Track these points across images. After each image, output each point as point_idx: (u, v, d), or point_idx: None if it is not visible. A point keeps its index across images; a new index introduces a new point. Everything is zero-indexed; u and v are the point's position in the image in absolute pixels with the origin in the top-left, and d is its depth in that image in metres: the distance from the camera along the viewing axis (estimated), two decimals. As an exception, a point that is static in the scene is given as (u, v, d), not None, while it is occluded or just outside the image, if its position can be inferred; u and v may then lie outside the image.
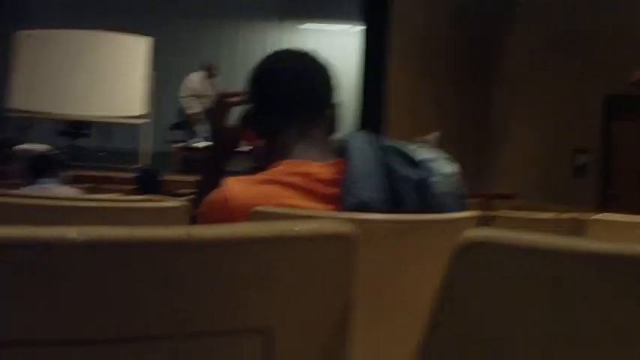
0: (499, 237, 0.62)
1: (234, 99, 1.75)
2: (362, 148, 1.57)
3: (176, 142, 10.79)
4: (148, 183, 5.45)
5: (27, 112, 9.31)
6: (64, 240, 0.50)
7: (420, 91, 9.70)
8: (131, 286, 0.53)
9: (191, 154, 9.61)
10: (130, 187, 5.88)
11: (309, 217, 0.82)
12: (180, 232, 0.53)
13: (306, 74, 1.65)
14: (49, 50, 9.92)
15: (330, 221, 0.60)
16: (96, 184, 6.67)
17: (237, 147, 1.82)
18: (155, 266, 0.53)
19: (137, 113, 9.62)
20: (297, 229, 0.56)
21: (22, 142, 8.36)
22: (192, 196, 1.88)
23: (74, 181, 6.53)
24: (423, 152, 1.61)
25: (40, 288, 0.52)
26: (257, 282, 0.57)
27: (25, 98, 9.72)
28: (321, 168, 1.56)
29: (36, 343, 0.53)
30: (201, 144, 9.27)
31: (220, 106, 1.76)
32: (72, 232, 0.50)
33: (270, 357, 0.59)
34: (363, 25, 11.17)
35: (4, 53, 13.04)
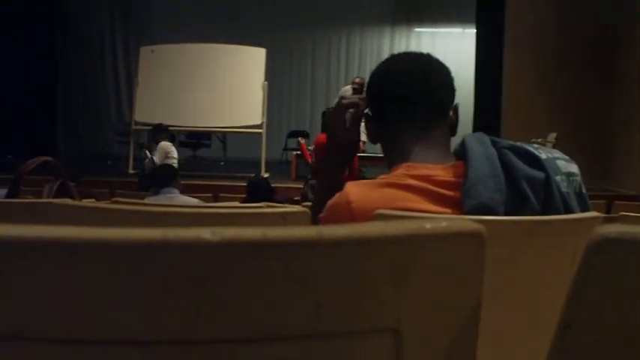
0: (636, 233, 0.60)
1: (351, 101, 1.77)
2: (481, 149, 1.55)
3: (293, 149, 10.94)
4: (259, 191, 5.54)
5: (150, 124, 9.63)
6: (198, 240, 0.52)
7: (535, 92, 9.50)
8: (263, 286, 0.55)
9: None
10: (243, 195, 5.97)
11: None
12: (312, 231, 0.54)
13: (425, 77, 1.65)
14: (170, 64, 10.25)
15: (459, 220, 0.59)
16: (214, 193, 6.84)
17: (354, 152, 1.83)
18: (287, 266, 0.54)
19: (255, 122, 9.80)
20: (427, 227, 0.56)
21: (147, 154, 8.69)
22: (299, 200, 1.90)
23: (193, 191, 6.72)
24: (544, 152, 1.57)
25: (176, 288, 0.54)
26: (388, 281, 0.57)
27: (148, 111, 10.07)
28: (441, 170, 1.55)
29: (179, 342, 0.55)
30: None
31: (338, 110, 1.77)
32: (206, 233, 0.52)
33: (400, 357, 0.59)
34: (477, 27, 11.05)
35: (128, 69, 13.56)
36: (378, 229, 0.56)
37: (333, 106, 1.85)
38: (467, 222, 0.58)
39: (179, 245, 0.52)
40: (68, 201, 2.09)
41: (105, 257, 0.52)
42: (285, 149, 12.24)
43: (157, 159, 8.55)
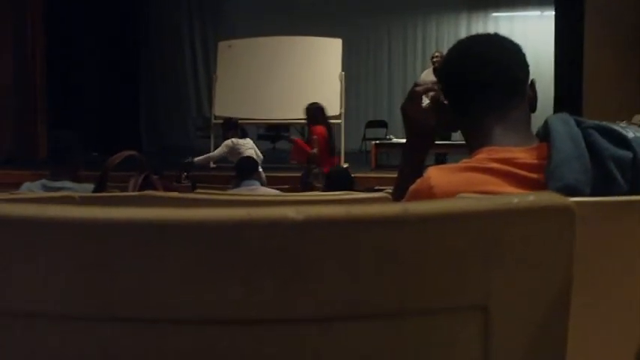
0: None
1: (426, 86, 1.76)
2: (565, 129, 1.52)
3: (372, 139, 10.93)
4: (339, 181, 5.57)
5: (231, 118, 9.75)
6: (283, 219, 0.52)
7: (618, 74, 9.23)
8: (349, 263, 0.55)
9: (389, 150, 9.70)
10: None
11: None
12: (397, 208, 0.54)
13: (496, 57, 1.63)
14: (248, 58, 10.35)
15: (547, 194, 0.58)
16: (293, 185, 6.90)
17: (433, 138, 1.82)
18: (372, 243, 0.54)
19: (334, 113, 9.82)
20: (515, 201, 0.55)
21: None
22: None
23: (273, 183, 6.80)
24: (632, 131, 1.53)
25: (263, 267, 0.54)
26: (475, 257, 0.56)
27: (227, 105, 10.19)
28: (523, 153, 1.52)
29: (267, 321, 0.56)
30: (402, 140, 9.30)
31: (413, 96, 1.76)
32: (291, 212, 0.52)
33: (490, 335, 0.59)
34: (556, 9, 10.82)
35: (207, 63, 13.76)
36: (464, 204, 0.55)
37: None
38: (555, 196, 0.57)
39: (265, 224, 0.52)
40: (154, 193, 2.13)
41: (193, 237, 0.53)
42: (365, 139, 12.22)
43: (216, 154, 8.71)
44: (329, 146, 8.37)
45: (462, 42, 1.73)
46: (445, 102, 1.70)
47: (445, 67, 1.71)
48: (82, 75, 11.40)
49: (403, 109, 1.79)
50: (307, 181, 7.20)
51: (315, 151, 8.16)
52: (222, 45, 10.94)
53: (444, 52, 1.56)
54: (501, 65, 1.62)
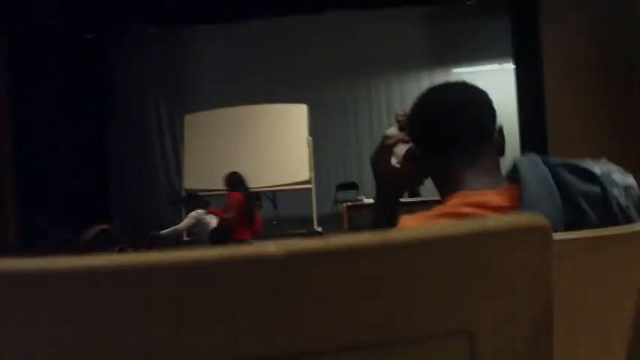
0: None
1: (397, 139, 1.77)
2: (533, 170, 1.53)
3: (344, 201, 10.95)
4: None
5: (200, 190, 9.76)
6: (263, 254, 0.52)
7: (580, 118, 9.40)
8: (332, 295, 0.55)
9: (361, 211, 9.74)
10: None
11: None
12: (375, 237, 0.54)
13: (464, 104, 1.65)
14: (214, 129, 10.41)
15: (522, 215, 0.59)
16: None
17: (404, 188, 1.83)
18: (352, 273, 0.54)
19: (303, 178, 9.85)
20: (491, 224, 0.56)
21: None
22: None
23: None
24: (598, 166, 1.55)
25: (247, 305, 0.54)
26: (456, 282, 0.57)
27: (197, 178, 10.19)
28: (495, 196, 1.53)
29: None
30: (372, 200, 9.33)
31: (384, 149, 1.77)
32: (270, 247, 0.52)
33: (475, 359, 0.59)
34: (514, 62, 11.04)
35: (174, 137, 13.80)
36: (440, 230, 0.55)
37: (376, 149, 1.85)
38: (530, 217, 0.58)
39: (245, 261, 0.52)
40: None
41: (172, 280, 0.53)
42: (336, 202, 12.23)
43: (182, 226, 8.88)
44: (246, 212, 8.60)
45: (429, 90, 1.75)
46: (415, 151, 1.71)
47: (414, 116, 1.72)
48: (49, 154, 11.35)
49: (373, 162, 1.80)
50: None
51: (227, 216, 8.47)
52: (188, 118, 10.99)
53: (407, 109, 1.59)
54: (469, 112, 1.64)
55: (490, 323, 0.59)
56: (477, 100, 1.68)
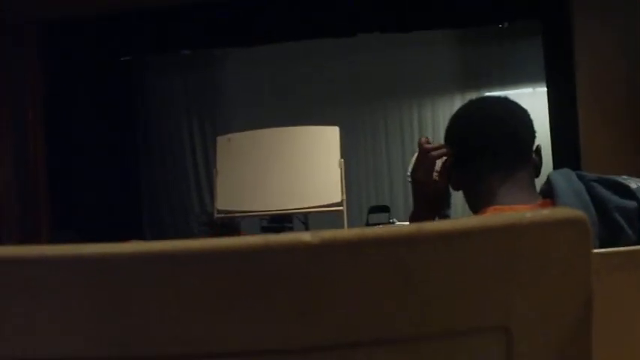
0: None
1: (438, 152, 1.76)
2: (568, 184, 1.52)
3: (375, 224, 10.91)
4: None
5: (232, 212, 9.80)
6: (298, 243, 0.52)
7: (614, 141, 9.32)
8: (366, 286, 0.54)
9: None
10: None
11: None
12: (411, 227, 0.54)
13: (506, 117, 1.64)
14: (247, 151, 10.44)
15: (560, 208, 0.58)
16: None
17: (443, 200, 1.82)
18: (387, 264, 0.54)
19: (335, 200, 9.85)
20: (528, 216, 0.55)
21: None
22: None
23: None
24: (633, 181, 1.54)
25: (279, 294, 0.54)
26: (493, 275, 0.56)
27: (230, 199, 10.22)
28: (528, 211, 1.52)
29: (284, 352, 0.55)
30: (405, 224, 9.31)
31: (425, 161, 1.76)
32: (306, 236, 0.52)
33: (513, 357, 0.58)
34: (547, 85, 10.97)
35: (207, 158, 13.89)
36: (478, 222, 0.55)
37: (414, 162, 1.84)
38: (568, 210, 0.57)
39: (280, 249, 0.52)
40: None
41: (206, 265, 0.53)
42: (367, 224, 12.19)
43: None
44: None
45: (471, 102, 1.75)
46: (451, 161, 1.71)
47: (454, 126, 1.72)
48: (83, 177, 11.49)
49: (414, 176, 1.79)
50: None
51: None
52: (220, 139, 11.05)
53: (431, 138, 1.58)
54: (508, 126, 1.64)
55: (527, 319, 0.58)
56: (517, 116, 1.68)
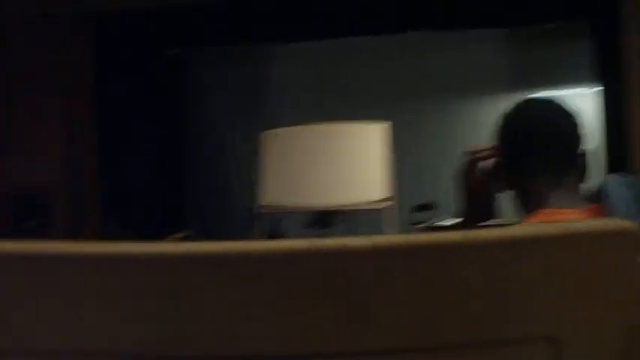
0: None
1: (485, 153, 1.75)
2: (620, 189, 1.51)
3: (420, 222, 10.86)
4: None
5: (277, 206, 9.83)
6: (347, 247, 0.52)
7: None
8: (415, 292, 0.54)
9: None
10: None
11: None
12: (458, 234, 0.53)
13: (557, 120, 1.62)
14: (293, 146, 10.46)
15: (611, 219, 0.57)
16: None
17: (493, 204, 1.80)
18: (438, 270, 0.54)
19: (381, 197, 9.82)
20: (579, 226, 0.55)
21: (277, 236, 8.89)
22: None
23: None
24: None
25: (328, 298, 0.54)
26: (541, 284, 0.56)
27: (274, 194, 10.25)
28: (577, 215, 1.51)
29: (331, 355, 0.55)
30: (449, 222, 9.24)
31: (472, 163, 1.75)
32: (356, 240, 0.52)
33: (561, 367, 0.57)
34: (596, 86, 10.80)
35: (251, 153, 13.97)
36: (528, 230, 0.55)
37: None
38: (620, 221, 0.56)
39: (329, 253, 0.53)
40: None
41: (254, 269, 0.53)
42: (412, 222, 12.15)
43: None
44: None
45: (522, 103, 1.73)
46: (500, 163, 1.69)
47: (504, 126, 1.70)
48: (131, 167, 11.61)
49: (460, 178, 1.78)
50: None
51: None
52: (266, 134, 11.09)
53: (480, 145, 1.55)
54: (559, 129, 1.62)
55: (576, 329, 0.58)
56: (567, 118, 1.66)
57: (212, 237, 12.51)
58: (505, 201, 1.86)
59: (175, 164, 13.08)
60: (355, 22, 10.56)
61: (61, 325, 0.57)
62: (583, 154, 1.65)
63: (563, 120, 1.64)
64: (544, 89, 14.34)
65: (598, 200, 1.53)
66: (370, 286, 0.54)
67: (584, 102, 12.74)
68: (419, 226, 10.20)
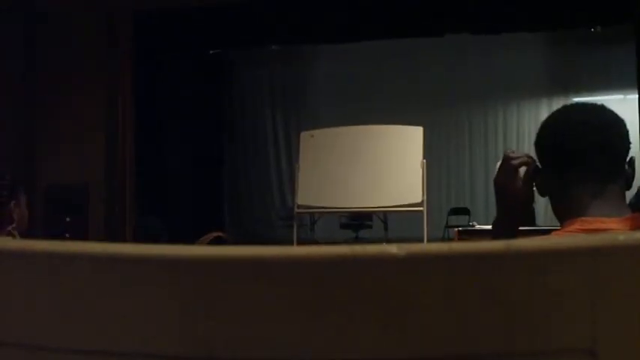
0: None
1: (522, 159, 1.73)
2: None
3: (455, 226, 10.82)
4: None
5: (312, 207, 9.83)
6: (385, 254, 0.52)
7: None
8: (451, 301, 0.54)
9: (472, 237, 9.59)
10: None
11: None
12: (499, 244, 0.53)
13: (600, 127, 1.60)
14: (330, 147, 10.48)
15: (654, 232, 0.56)
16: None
17: (529, 209, 1.78)
18: (474, 280, 0.53)
19: (415, 201, 9.79)
20: (621, 238, 0.54)
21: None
22: None
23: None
24: None
25: (363, 305, 0.54)
26: (581, 296, 0.55)
27: (310, 194, 10.27)
28: (616, 224, 1.48)
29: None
30: (484, 226, 9.20)
31: (508, 167, 1.73)
32: (392, 248, 0.52)
33: (599, 381, 0.56)
34: (638, 93, 10.65)
35: (289, 153, 14.02)
36: (568, 241, 0.54)
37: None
38: (662, 234, 0.55)
39: (366, 260, 0.52)
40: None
41: (290, 273, 0.53)
42: (447, 226, 12.11)
43: None
44: None
45: (567, 108, 1.72)
46: (540, 168, 1.67)
47: (546, 130, 1.68)
48: (169, 165, 11.73)
49: (498, 183, 1.76)
50: None
51: None
52: (304, 135, 11.13)
53: (518, 151, 1.53)
54: (603, 135, 1.59)
55: (614, 343, 0.57)
56: (613, 126, 1.63)
57: (248, 236, 12.57)
58: (542, 207, 1.84)
59: (214, 164, 13.20)
60: (396, 25, 10.55)
61: (98, 324, 0.57)
62: (629, 162, 1.62)
63: (608, 126, 1.61)
64: (584, 94, 14.19)
65: (638, 208, 1.51)
66: (408, 295, 0.54)
67: (625, 108, 12.59)
68: (455, 229, 10.16)
